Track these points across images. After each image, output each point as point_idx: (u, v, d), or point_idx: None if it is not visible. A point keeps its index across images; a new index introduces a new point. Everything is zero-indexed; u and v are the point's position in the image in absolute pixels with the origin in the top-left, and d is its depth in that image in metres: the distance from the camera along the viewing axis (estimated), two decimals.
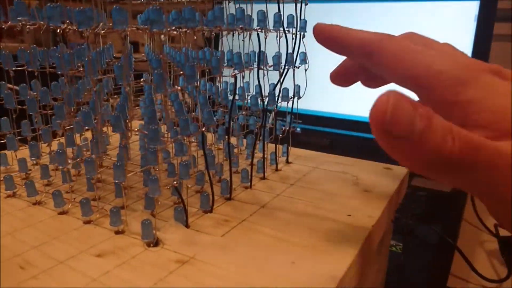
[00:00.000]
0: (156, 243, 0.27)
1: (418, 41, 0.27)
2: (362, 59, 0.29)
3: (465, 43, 0.74)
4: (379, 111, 0.19)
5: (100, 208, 0.31)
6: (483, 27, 0.72)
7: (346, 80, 0.35)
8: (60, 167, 0.31)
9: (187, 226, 0.29)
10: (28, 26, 0.31)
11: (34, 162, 0.40)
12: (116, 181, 0.28)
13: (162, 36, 0.44)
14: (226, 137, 0.34)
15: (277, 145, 0.42)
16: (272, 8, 0.37)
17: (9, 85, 0.37)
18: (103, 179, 0.37)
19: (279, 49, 0.38)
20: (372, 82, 0.34)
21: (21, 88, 0.36)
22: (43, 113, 0.37)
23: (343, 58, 0.34)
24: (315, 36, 0.30)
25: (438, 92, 0.24)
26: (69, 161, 0.32)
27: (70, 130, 0.34)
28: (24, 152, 0.39)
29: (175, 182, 0.28)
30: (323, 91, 0.87)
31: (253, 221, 0.31)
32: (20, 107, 0.36)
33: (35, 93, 0.36)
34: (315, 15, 0.89)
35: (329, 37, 0.30)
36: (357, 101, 0.83)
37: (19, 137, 0.37)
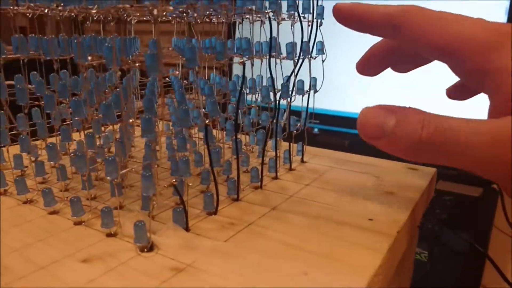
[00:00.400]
0: (150, 247, 0.24)
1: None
2: (388, 34, 0.28)
3: None
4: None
5: (93, 207, 0.29)
6: None
7: (373, 68, 0.33)
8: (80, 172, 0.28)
9: (187, 229, 0.26)
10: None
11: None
12: (108, 177, 0.25)
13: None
14: (235, 132, 0.30)
15: (291, 143, 0.39)
16: None
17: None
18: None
19: (294, 37, 0.34)
20: (401, 65, 0.32)
21: (38, 83, 0.33)
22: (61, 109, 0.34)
23: (362, 54, 0.33)
24: (335, 15, 0.29)
25: (470, 60, 0.23)
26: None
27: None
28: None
29: (174, 180, 0.25)
30: (342, 89, 0.83)
31: (261, 225, 0.27)
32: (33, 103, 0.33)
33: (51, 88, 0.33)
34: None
35: (350, 15, 0.28)
36: (378, 100, 0.79)
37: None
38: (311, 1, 0.35)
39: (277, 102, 0.34)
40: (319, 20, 0.36)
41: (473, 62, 0.23)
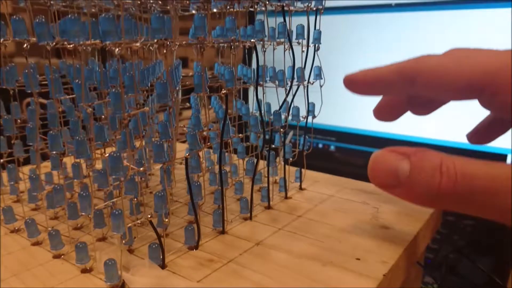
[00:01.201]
0: (122, 286, 0.24)
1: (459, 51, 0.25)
2: (407, 89, 0.26)
3: None
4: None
5: (76, 239, 0.28)
6: None
7: (391, 114, 0.32)
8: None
9: (163, 266, 0.26)
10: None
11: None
12: (83, 213, 0.25)
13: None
14: (220, 163, 0.30)
15: (286, 168, 0.38)
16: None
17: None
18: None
19: (284, 63, 0.33)
20: (422, 108, 0.31)
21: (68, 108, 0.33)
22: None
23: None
24: (347, 87, 0.28)
25: (502, 94, 0.22)
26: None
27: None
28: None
29: (150, 216, 0.25)
30: (360, 106, 0.81)
31: (241, 263, 0.26)
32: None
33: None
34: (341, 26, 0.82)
35: (364, 84, 0.28)
36: (401, 118, 0.76)
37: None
38: (304, 27, 0.34)
39: (268, 130, 0.33)
40: (316, 45, 0.35)
41: (506, 97, 0.21)
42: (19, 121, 0.34)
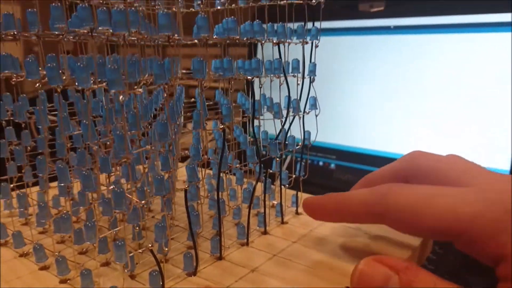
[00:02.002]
0: None
1: (428, 171, 0.24)
2: (376, 222, 0.26)
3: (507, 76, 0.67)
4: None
5: (81, 265, 0.30)
6: None
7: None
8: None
9: None
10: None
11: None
12: (88, 242, 0.26)
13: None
14: (217, 190, 0.31)
15: (283, 192, 0.39)
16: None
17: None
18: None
19: (280, 95, 0.35)
20: None
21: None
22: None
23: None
24: (307, 213, 0.28)
25: (476, 244, 0.20)
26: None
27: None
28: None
29: (150, 245, 0.26)
30: (359, 125, 0.82)
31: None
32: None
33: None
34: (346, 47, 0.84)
35: (324, 212, 0.27)
36: (397, 137, 0.78)
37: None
38: (300, 61, 0.36)
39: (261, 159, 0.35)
40: (311, 77, 0.37)
41: (483, 246, 0.20)
42: (29, 148, 0.36)
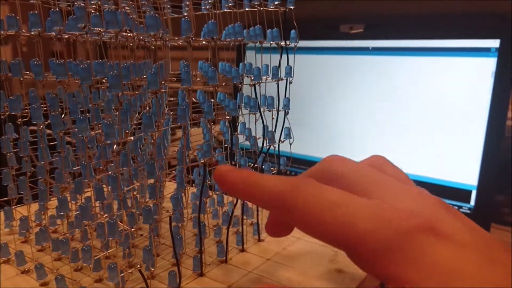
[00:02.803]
0: None
1: (341, 177, 0.25)
2: (281, 213, 0.26)
3: (483, 99, 0.72)
4: None
5: (77, 282, 0.34)
6: (500, 83, 0.71)
7: (285, 229, 0.31)
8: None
9: None
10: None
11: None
12: (84, 264, 0.30)
13: None
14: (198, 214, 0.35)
15: (260, 211, 0.43)
16: None
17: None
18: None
19: (256, 129, 0.39)
20: None
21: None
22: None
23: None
24: (217, 181, 0.27)
25: (366, 260, 0.21)
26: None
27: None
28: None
29: (139, 266, 0.30)
30: (338, 139, 0.87)
31: None
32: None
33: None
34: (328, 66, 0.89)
35: (234, 187, 0.26)
36: (373, 151, 0.83)
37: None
38: (274, 98, 0.40)
39: None
40: (285, 110, 0.42)
41: (373, 264, 0.21)
42: (29, 173, 0.40)
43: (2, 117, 0.34)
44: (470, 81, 0.74)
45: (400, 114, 0.81)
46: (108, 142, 0.25)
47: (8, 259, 0.38)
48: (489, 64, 0.72)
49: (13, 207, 0.39)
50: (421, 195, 0.23)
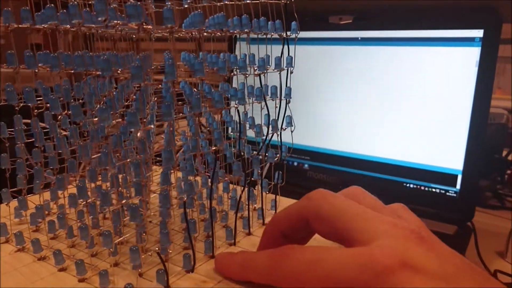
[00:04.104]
0: None
1: (325, 216, 0.27)
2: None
3: (468, 88, 0.75)
4: None
5: (94, 266, 0.35)
6: (484, 72, 0.74)
7: None
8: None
9: (167, 287, 0.33)
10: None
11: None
12: (105, 247, 0.32)
13: None
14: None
15: (264, 196, 0.45)
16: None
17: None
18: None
19: (261, 117, 0.41)
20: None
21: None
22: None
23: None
24: (218, 271, 0.34)
25: None
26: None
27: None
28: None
29: (157, 249, 0.32)
30: (332, 128, 0.90)
31: (227, 282, 0.34)
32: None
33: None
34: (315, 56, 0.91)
35: (230, 271, 0.32)
36: (363, 140, 0.85)
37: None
38: (277, 88, 0.42)
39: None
40: (287, 99, 0.43)
41: None
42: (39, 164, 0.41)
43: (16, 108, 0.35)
44: (456, 70, 0.77)
45: (389, 101, 0.84)
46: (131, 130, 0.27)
47: (23, 247, 0.39)
48: (474, 53, 0.75)
49: (26, 196, 0.40)
50: (395, 227, 0.25)
